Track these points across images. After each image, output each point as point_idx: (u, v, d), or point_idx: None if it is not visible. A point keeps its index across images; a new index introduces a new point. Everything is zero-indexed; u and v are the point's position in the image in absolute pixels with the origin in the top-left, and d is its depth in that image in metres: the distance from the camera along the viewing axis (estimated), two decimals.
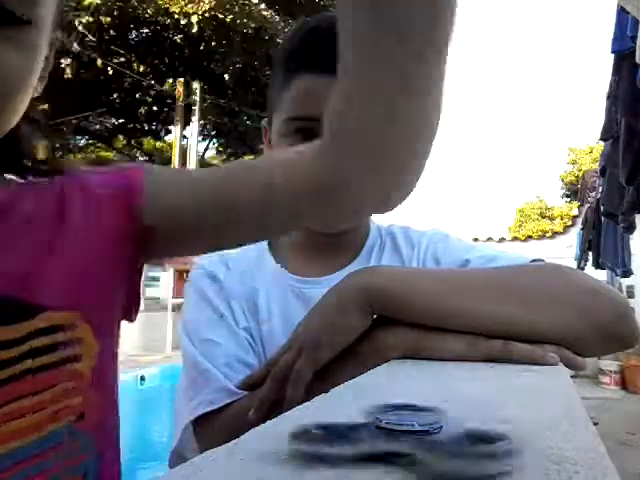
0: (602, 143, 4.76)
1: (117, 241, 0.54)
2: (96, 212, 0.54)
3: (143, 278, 0.61)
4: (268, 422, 0.33)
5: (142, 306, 0.68)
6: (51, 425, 0.46)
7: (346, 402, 0.39)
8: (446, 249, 0.83)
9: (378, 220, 0.91)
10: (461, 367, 0.55)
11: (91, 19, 11.18)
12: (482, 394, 0.43)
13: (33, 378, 0.46)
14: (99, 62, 11.66)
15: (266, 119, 0.86)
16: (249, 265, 0.83)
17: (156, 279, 14.06)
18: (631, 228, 4.98)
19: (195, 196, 0.55)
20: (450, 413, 0.28)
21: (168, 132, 15.06)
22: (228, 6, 10.89)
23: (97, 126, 14.96)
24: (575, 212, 12.02)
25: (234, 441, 0.29)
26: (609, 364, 7.54)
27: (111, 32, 11.61)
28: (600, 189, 5.90)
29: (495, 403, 0.39)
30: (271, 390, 0.64)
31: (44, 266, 0.49)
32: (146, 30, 12.44)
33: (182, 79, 12.14)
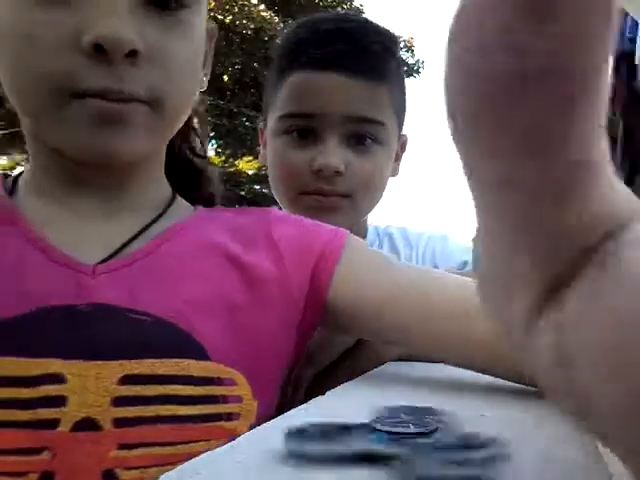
0: None
1: (292, 306, 0.52)
2: (278, 272, 0.51)
3: None
4: (265, 423, 0.33)
5: None
6: None
7: (344, 403, 0.39)
8: (444, 250, 0.83)
9: (375, 221, 0.91)
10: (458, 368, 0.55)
11: None
12: (478, 396, 0.43)
13: (185, 426, 0.43)
14: None
15: (262, 121, 0.86)
16: None
17: None
18: None
19: (386, 313, 0.51)
20: (447, 415, 0.28)
21: None
22: (227, 7, 10.88)
23: None
24: None
25: (231, 443, 0.29)
26: None
27: None
28: None
29: (492, 405, 0.39)
30: None
31: (223, 315, 0.48)
32: None
33: None
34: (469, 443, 0.22)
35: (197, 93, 0.54)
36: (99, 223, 0.49)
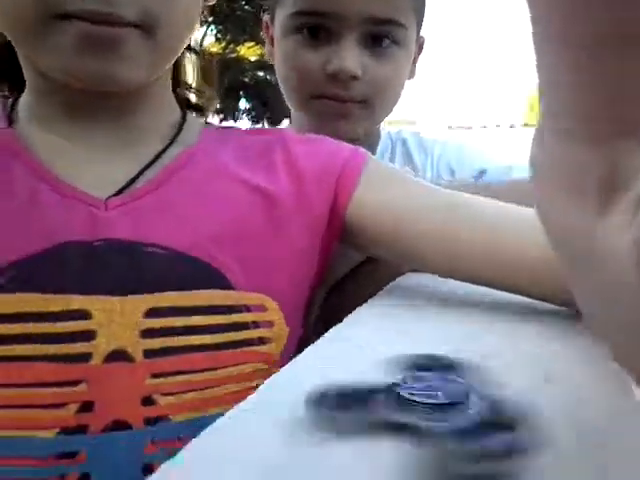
0: None
1: (313, 227, 0.51)
2: (297, 193, 0.50)
3: None
4: (282, 370, 0.32)
5: None
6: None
7: (364, 336, 0.38)
8: (460, 159, 0.80)
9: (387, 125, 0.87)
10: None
11: None
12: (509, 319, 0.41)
13: (217, 353, 0.43)
14: None
15: (268, 15, 0.79)
16: None
17: None
18: None
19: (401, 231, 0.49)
20: (475, 373, 0.27)
21: None
22: None
23: None
24: None
25: (246, 401, 0.28)
26: None
27: None
28: None
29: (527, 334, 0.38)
30: None
31: (242, 242, 0.46)
32: None
33: None
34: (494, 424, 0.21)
35: (199, 12, 0.49)
36: (107, 154, 0.47)
